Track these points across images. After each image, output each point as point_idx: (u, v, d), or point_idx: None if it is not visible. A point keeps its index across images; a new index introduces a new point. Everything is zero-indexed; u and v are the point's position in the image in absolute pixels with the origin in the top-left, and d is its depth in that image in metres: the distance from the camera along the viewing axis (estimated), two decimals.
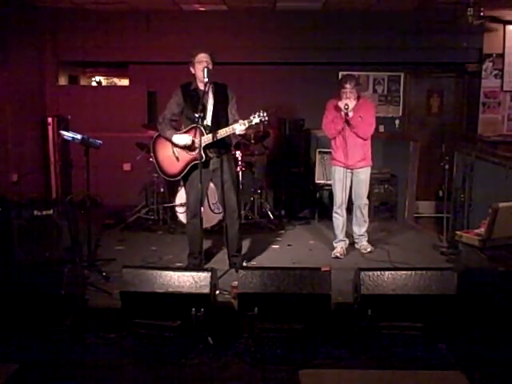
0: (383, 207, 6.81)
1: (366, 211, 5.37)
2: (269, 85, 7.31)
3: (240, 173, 6.04)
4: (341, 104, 4.99)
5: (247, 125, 4.35)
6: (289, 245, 5.71)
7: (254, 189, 6.39)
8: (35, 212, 4.74)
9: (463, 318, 3.60)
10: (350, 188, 5.27)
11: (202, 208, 4.35)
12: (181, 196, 5.80)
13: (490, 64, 7.35)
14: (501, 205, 3.79)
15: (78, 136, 4.74)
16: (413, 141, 6.87)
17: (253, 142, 6.24)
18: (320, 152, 6.84)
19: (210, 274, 3.52)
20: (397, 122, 7.60)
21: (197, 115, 4.18)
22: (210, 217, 5.74)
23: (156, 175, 5.95)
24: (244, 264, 4.79)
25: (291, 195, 7.05)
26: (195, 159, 4.46)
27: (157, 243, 5.69)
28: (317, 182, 6.85)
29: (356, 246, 5.46)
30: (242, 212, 6.12)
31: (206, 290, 3.47)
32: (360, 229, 5.41)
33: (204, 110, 4.37)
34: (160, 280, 3.52)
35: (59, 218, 4.86)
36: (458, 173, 5.81)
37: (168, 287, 3.50)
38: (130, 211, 6.47)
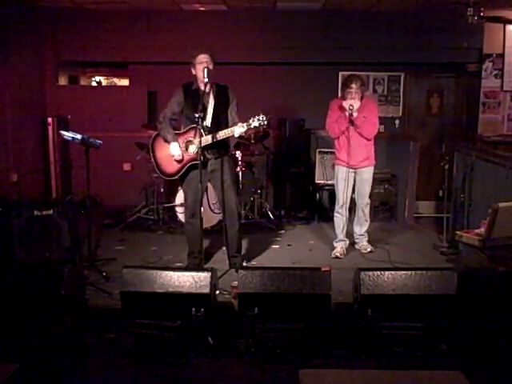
0: (383, 207, 6.81)
1: (367, 211, 5.37)
2: (269, 85, 7.31)
3: (240, 173, 6.05)
4: (345, 104, 4.98)
5: (246, 128, 4.36)
6: (289, 245, 5.71)
7: (254, 189, 6.39)
8: (35, 212, 4.75)
9: (463, 318, 3.60)
10: (353, 188, 5.27)
11: (202, 208, 4.35)
12: (180, 196, 5.79)
13: (490, 64, 7.35)
14: (501, 205, 3.80)
15: (78, 136, 4.74)
16: (413, 141, 6.87)
17: (253, 142, 6.25)
18: (320, 152, 6.84)
19: (209, 274, 3.52)
20: (397, 122, 7.60)
21: (197, 115, 4.17)
22: (210, 217, 5.74)
23: (156, 175, 5.94)
24: (244, 264, 4.79)
25: (291, 195, 7.05)
26: (193, 159, 4.47)
27: (157, 243, 5.69)
28: (317, 182, 6.85)
29: (356, 246, 5.47)
30: (242, 212, 6.13)
31: (206, 290, 3.47)
32: (361, 228, 5.41)
33: (204, 110, 4.37)
34: (160, 280, 3.52)
35: (59, 218, 4.86)
36: (458, 173, 5.81)
37: (168, 287, 3.50)
38: (130, 211, 6.48)
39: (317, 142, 7.08)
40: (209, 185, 4.84)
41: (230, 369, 3.33)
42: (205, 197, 5.46)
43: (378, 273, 3.53)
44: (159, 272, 3.58)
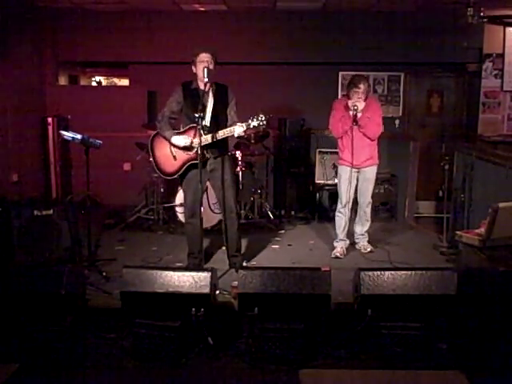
0: (383, 207, 6.81)
1: (369, 210, 5.37)
2: (269, 85, 7.30)
3: (240, 173, 6.05)
4: (350, 104, 4.98)
5: (245, 128, 4.36)
6: (289, 245, 5.71)
7: (254, 189, 6.39)
8: (35, 212, 4.75)
9: (463, 318, 3.60)
10: (356, 187, 5.27)
11: (202, 208, 4.35)
12: (180, 196, 5.79)
13: (490, 64, 7.35)
14: (501, 205, 3.79)
15: (78, 136, 4.74)
16: (413, 141, 6.87)
17: (253, 141, 6.25)
18: (320, 152, 6.85)
19: (209, 274, 3.52)
20: (397, 122, 7.60)
21: (196, 115, 4.16)
22: (210, 217, 5.74)
23: (156, 175, 5.95)
24: (244, 264, 4.79)
25: (291, 195, 7.05)
26: (192, 159, 4.46)
27: (157, 243, 5.69)
28: (317, 182, 6.85)
29: (356, 245, 5.47)
30: (242, 212, 6.13)
31: (206, 290, 3.47)
32: (362, 228, 5.41)
33: (203, 110, 4.36)
34: (160, 280, 3.52)
35: (59, 218, 4.86)
36: (458, 173, 5.81)
37: (168, 287, 3.50)
38: (130, 211, 6.48)
39: (317, 141, 7.08)
40: (208, 184, 4.84)
41: (229, 369, 3.34)
42: (205, 197, 5.46)
43: (378, 273, 3.53)
44: (159, 272, 3.58)
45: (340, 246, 5.30)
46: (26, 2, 6.72)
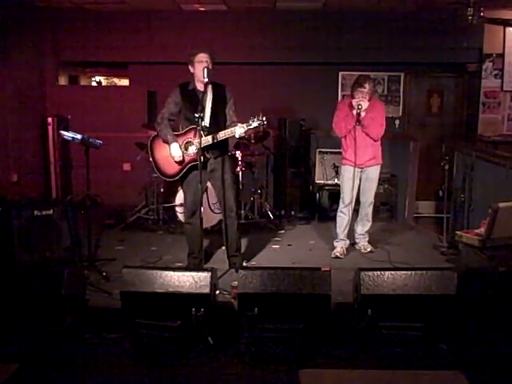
0: (383, 207, 6.81)
1: (370, 210, 5.37)
2: (269, 85, 7.31)
3: (240, 173, 6.05)
4: (354, 103, 4.99)
5: (246, 128, 4.36)
6: (289, 245, 5.71)
7: (254, 189, 6.39)
8: (35, 212, 4.74)
9: (463, 318, 3.60)
10: (358, 187, 5.27)
11: (202, 208, 4.35)
12: (180, 196, 5.79)
13: (490, 64, 7.35)
14: (501, 205, 3.79)
15: (78, 136, 4.74)
16: (413, 141, 6.87)
17: (253, 141, 6.25)
18: (320, 152, 6.85)
19: (209, 274, 3.52)
20: (397, 122, 7.61)
21: (196, 115, 4.16)
22: (210, 217, 5.74)
23: (156, 175, 5.94)
24: (244, 264, 4.79)
25: (291, 195, 7.05)
26: (193, 160, 4.46)
27: (157, 243, 5.69)
28: (317, 182, 6.85)
29: (356, 245, 5.47)
30: (242, 212, 6.13)
31: (206, 290, 3.47)
32: (362, 228, 5.41)
33: (203, 110, 4.35)
34: (160, 280, 3.52)
35: (59, 218, 4.86)
36: (458, 173, 5.81)
37: (168, 287, 3.50)
38: (130, 211, 6.48)
39: (317, 142, 7.08)
40: (208, 184, 4.84)
41: (229, 369, 3.33)
42: (205, 197, 5.46)
43: (378, 273, 3.53)
44: (159, 272, 3.58)
45: (340, 246, 5.30)
46: (26, 2, 6.72)
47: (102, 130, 6.58)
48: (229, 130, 4.41)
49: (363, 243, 5.42)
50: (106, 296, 4.12)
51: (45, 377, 3.25)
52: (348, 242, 5.38)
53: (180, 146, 4.50)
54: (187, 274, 3.55)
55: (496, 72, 7.37)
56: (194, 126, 4.32)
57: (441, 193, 5.70)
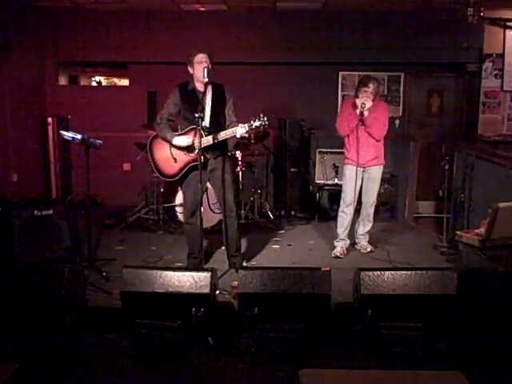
0: (383, 207, 6.81)
1: (372, 211, 5.37)
2: (269, 85, 7.30)
3: (240, 173, 6.05)
4: (358, 102, 5.00)
5: (247, 129, 4.36)
6: (289, 245, 5.71)
7: (254, 189, 6.39)
8: (35, 212, 4.75)
9: (463, 317, 3.60)
10: (360, 187, 5.27)
11: (202, 208, 4.35)
12: (180, 196, 5.78)
13: (490, 64, 7.35)
14: (501, 205, 3.80)
15: (78, 136, 4.74)
16: (413, 141, 6.87)
17: (253, 141, 6.25)
18: (320, 152, 6.85)
19: (209, 274, 3.51)
20: (397, 122, 7.60)
21: (196, 115, 4.15)
22: (210, 217, 5.74)
23: (156, 175, 5.95)
24: (244, 264, 4.79)
25: (291, 195, 7.05)
26: (193, 160, 4.46)
27: (157, 243, 5.69)
28: (317, 181, 6.85)
29: (356, 246, 5.47)
30: (242, 212, 6.13)
31: (206, 290, 3.46)
32: (363, 229, 5.41)
33: (203, 110, 4.34)
34: (160, 280, 3.52)
35: (59, 217, 4.87)
36: (458, 173, 5.81)
37: (168, 287, 3.50)
38: (130, 211, 6.48)
39: (317, 142, 7.09)
40: (208, 184, 4.84)
41: (229, 369, 3.33)
42: (205, 197, 5.46)
43: (378, 273, 3.53)
44: (159, 272, 3.58)
45: (340, 246, 5.30)
46: (26, 2, 6.72)
47: (102, 130, 6.57)
48: (230, 130, 4.40)
49: (363, 243, 5.42)
50: (105, 296, 4.12)
51: (45, 377, 3.25)
52: (348, 241, 5.38)
53: (182, 135, 4.47)
54: (187, 273, 3.55)
55: (496, 72, 7.37)
56: (194, 126, 4.32)
57: (441, 193, 5.70)
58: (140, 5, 6.84)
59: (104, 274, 4.53)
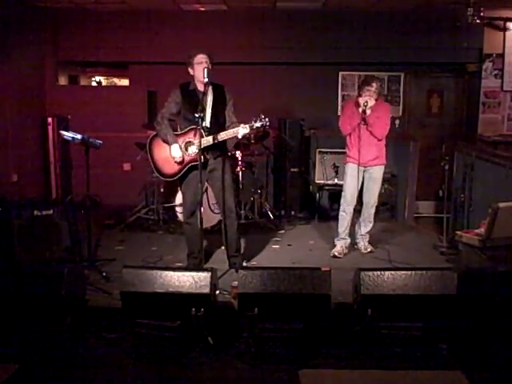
0: (383, 207, 6.81)
1: (373, 211, 5.37)
2: (269, 85, 7.31)
3: (240, 173, 6.05)
4: (361, 100, 5.02)
5: (249, 129, 4.36)
6: (289, 245, 5.71)
7: (254, 189, 6.38)
8: (35, 212, 4.75)
9: (463, 318, 3.60)
10: (361, 187, 5.27)
11: (202, 208, 4.35)
12: (180, 196, 5.79)
13: (490, 64, 7.35)
14: (501, 205, 3.80)
15: (78, 136, 4.74)
16: (413, 141, 6.87)
17: (253, 141, 6.25)
18: (320, 152, 6.85)
19: (209, 274, 3.52)
20: (397, 122, 7.60)
21: (197, 115, 4.15)
22: (210, 217, 5.74)
23: (155, 175, 5.94)
24: (244, 264, 4.79)
25: (291, 195, 7.05)
26: (193, 160, 4.46)
27: (157, 243, 5.69)
28: (317, 182, 6.85)
29: (356, 246, 5.47)
30: (242, 212, 6.13)
31: (206, 290, 3.47)
32: (364, 229, 5.41)
33: (203, 110, 4.34)
34: (160, 280, 3.52)
35: (59, 217, 4.86)
36: (458, 173, 5.81)
37: (168, 287, 3.50)
38: (130, 211, 6.48)
39: (317, 142, 7.09)
40: (208, 185, 4.84)
41: (229, 369, 3.34)
42: (205, 197, 5.46)
43: (378, 273, 3.53)
44: (159, 272, 3.58)
45: (340, 245, 5.30)
46: (26, 2, 6.72)
47: (102, 130, 6.57)
48: (231, 131, 4.40)
49: (363, 243, 5.42)
50: (105, 296, 4.12)
51: (45, 377, 3.25)
52: (349, 240, 5.38)
53: (180, 147, 4.49)
54: (187, 273, 3.55)
55: (496, 72, 7.37)
56: (195, 127, 4.32)
57: (441, 193, 5.71)
58: (140, 5, 6.84)
59: (104, 274, 4.52)
